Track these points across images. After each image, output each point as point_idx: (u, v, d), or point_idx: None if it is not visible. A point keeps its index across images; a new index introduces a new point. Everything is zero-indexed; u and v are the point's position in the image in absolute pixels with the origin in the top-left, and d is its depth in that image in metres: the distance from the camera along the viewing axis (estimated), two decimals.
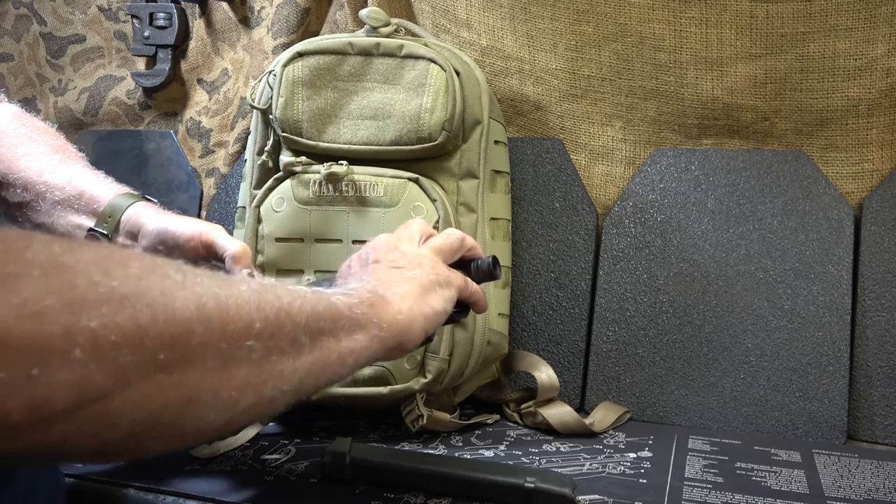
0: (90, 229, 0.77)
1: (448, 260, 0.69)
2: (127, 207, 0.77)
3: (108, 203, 0.77)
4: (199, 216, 1.16)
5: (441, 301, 0.63)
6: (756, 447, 0.83)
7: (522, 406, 0.89)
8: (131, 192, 0.80)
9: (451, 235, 0.70)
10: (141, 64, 1.23)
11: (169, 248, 0.75)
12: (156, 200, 0.81)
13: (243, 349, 0.43)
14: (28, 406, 0.33)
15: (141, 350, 0.36)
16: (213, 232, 0.76)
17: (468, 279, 0.70)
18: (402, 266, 0.63)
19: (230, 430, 0.44)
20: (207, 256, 0.76)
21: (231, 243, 0.75)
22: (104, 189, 0.79)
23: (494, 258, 0.73)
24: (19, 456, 0.35)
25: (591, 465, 0.77)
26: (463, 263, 0.72)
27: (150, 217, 0.77)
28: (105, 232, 0.76)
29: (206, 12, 1.18)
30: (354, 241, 0.85)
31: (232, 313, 0.42)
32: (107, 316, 0.35)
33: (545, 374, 0.89)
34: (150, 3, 1.19)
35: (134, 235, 0.77)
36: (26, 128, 0.81)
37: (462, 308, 0.71)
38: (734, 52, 0.90)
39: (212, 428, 0.43)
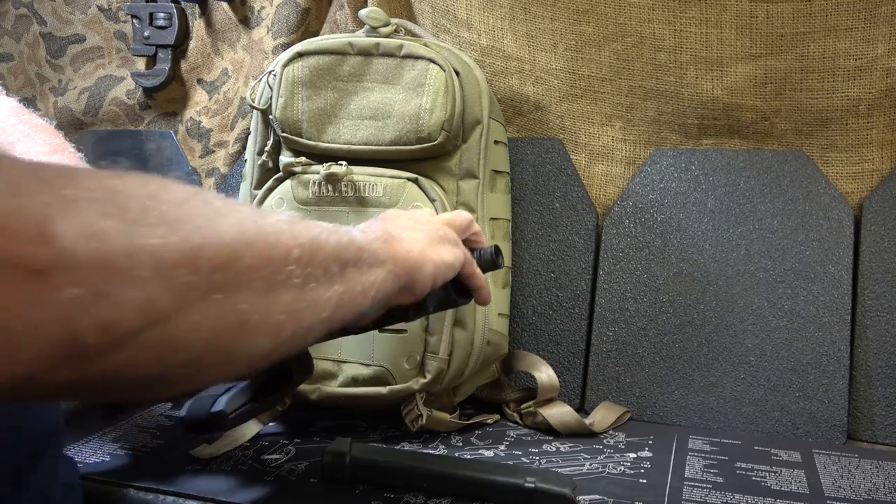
0: None
1: (457, 233, 0.71)
2: None
3: None
4: None
5: (450, 255, 0.65)
6: (756, 447, 0.83)
7: (522, 406, 0.89)
8: None
9: (460, 213, 0.73)
10: (141, 64, 1.23)
11: None
12: None
13: (285, 274, 0.44)
14: (100, 326, 0.33)
15: (197, 271, 0.37)
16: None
17: (472, 257, 0.72)
18: (412, 223, 0.65)
19: (273, 359, 0.46)
20: None
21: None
22: None
23: (497, 247, 0.74)
24: (88, 385, 0.36)
25: (591, 465, 0.77)
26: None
27: None
28: None
29: (206, 12, 1.18)
30: None
31: (271, 239, 0.43)
32: (163, 237, 0.36)
33: (545, 374, 0.89)
34: (150, 3, 1.19)
35: None
36: (24, 125, 0.81)
37: (465, 293, 0.71)
38: (734, 52, 0.90)
39: (260, 355, 0.44)
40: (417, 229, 0.64)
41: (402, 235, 0.60)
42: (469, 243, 0.74)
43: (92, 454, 0.77)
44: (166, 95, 1.22)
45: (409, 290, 0.60)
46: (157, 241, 0.36)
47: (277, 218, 0.46)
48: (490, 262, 0.74)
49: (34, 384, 0.33)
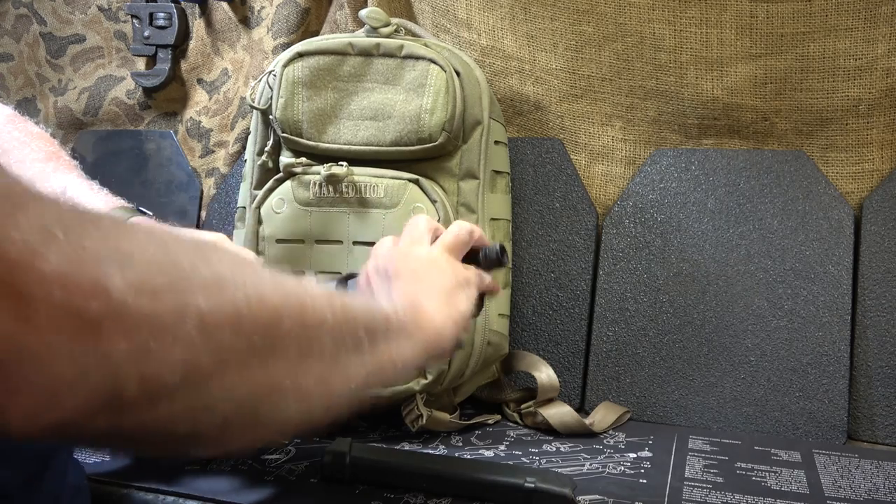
0: None
1: (460, 255, 0.69)
2: None
3: None
4: (199, 216, 1.16)
5: (466, 303, 0.64)
6: (756, 447, 0.83)
7: (522, 406, 0.89)
8: (125, 205, 0.78)
9: (460, 231, 0.70)
10: (141, 64, 1.23)
11: None
12: (151, 213, 0.80)
13: (318, 342, 0.44)
14: (142, 379, 0.34)
15: (239, 333, 0.38)
16: (219, 244, 0.75)
17: (481, 272, 0.70)
18: (422, 275, 0.63)
19: (304, 427, 0.47)
20: None
21: (240, 253, 0.75)
22: (99, 202, 0.77)
23: (502, 246, 0.73)
24: (123, 435, 0.36)
25: (591, 465, 0.77)
26: (471, 252, 0.72)
27: None
28: None
29: (206, 12, 1.18)
30: (355, 243, 0.85)
31: (309, 306, 0.44)
32: (210, 298, 0.37)
33: (545, 374, 0.89)
34: (150, 3, 1.19)
35: None
36: (20, 132, 0.80)
37: (478, 303, 0.71)
38: (734, 52, 0.90)
39: (290, 422, 0.45)
40: (431, 287, 0.61)
41: (423, 300, 0.59)
42: (474, 246, 0.73)
43: (92, 454, 0.77)
44: (166, 95, 1.22)
45: (437, 357, 0.60)
46: (204, 302, 0.36)
47: (316, 285, 0.46)
48: (495, 260, 0.72)
49: (73, 430, 0.34)
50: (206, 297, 0.36)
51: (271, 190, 0.88)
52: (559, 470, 0.75)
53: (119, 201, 0.79)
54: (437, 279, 0.63)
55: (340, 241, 0.86)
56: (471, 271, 0.68)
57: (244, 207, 0.92)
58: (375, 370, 0.50)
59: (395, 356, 0.52)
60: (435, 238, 0.69)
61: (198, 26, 1.19)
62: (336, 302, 0.46)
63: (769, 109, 0.92)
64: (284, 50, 0.94)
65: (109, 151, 1.22)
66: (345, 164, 0.85)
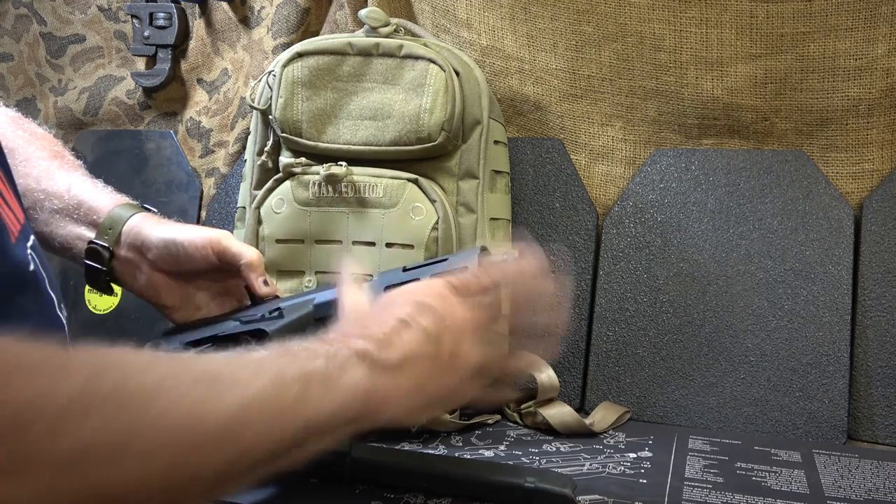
0: (90, 242, 0.76)
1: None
2: (127, 219, 0.76)
3: (108, 215, 0.76)
4: (199, 216, 1.16)
5: (455, 400, 0.58)
6: (756, 447, 0.83)
7: (522, 406, 0.89)
8: (130, 202, 0.79)
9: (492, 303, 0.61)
10: (141, 64, 1.23)
11: (178, 258, 0.74)
12: (155, 210, 0.80)
13: (240, 466, 0.43)
14: None
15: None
16: (224, 240, 0.75)
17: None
18: (435, 331, 0.56)
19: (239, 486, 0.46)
20: (219, 264, 0.75)
21: (245, 250, 0.75)
22: (103, 199, 0.77)
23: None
24: None
25: (591, 465, 0.77)
26: None
27: (153, 228, 0.76)
28: (106, 244, 0.75)
29: (206, 12, 1.18)
30: (354, 242, 0.85)
31: (238, 435, 0.42)
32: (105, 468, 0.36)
33: (545, 374, 0.89)
34: (150, 3, 1.19)
35: (137, 248, 0.75)
36: (24, 131, 0.81)
37: None
38: (734, 52, 0.90)
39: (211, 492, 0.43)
40: (430, 363, 0.55)
41: (391, 385, 0.52)
42: None
43: None
44: (166, 95, 1.22)
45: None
46: (89, 471, 0.35)
47: (258, 399, 0.44)
48: None
49: None
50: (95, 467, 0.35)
51: (271, 190, 0.88)
52: (559, 470, 0.75)
53: (123, 198, 0.80)
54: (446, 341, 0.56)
55: (340, 241, 0.86)
56: (479, 358, 0.58)
57: (244, 207, 0.92)
58: (311, 453, 0.48)
59: (339, 436, 0.50)
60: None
61: (198, 26, 1.19)
62: (276, 421, 0.44)
63: (769, 109, 0.92)
64: (284, 50, 0.94)
65: (109, 151, 1.22)
66: (344, 164, 0.85)
